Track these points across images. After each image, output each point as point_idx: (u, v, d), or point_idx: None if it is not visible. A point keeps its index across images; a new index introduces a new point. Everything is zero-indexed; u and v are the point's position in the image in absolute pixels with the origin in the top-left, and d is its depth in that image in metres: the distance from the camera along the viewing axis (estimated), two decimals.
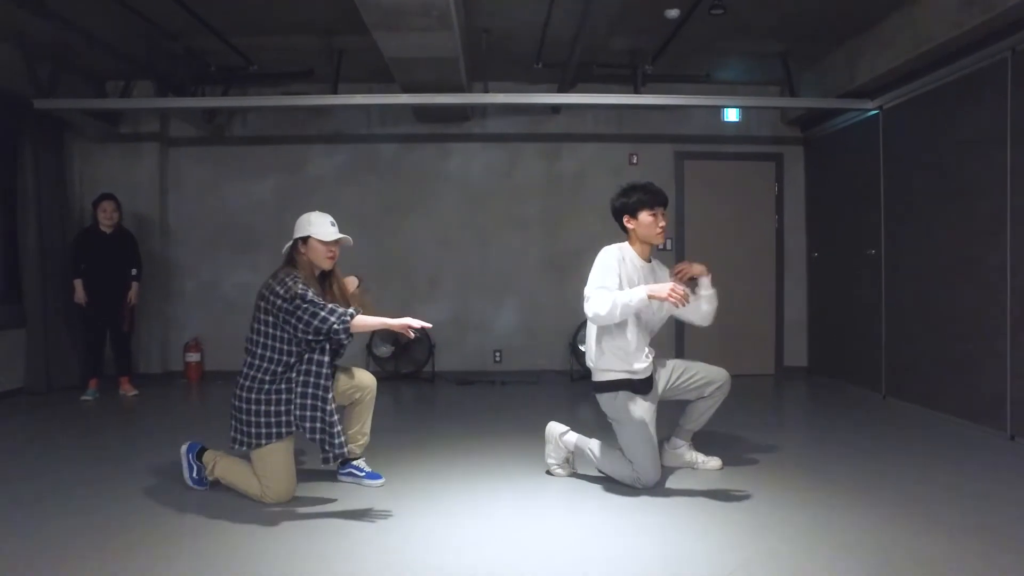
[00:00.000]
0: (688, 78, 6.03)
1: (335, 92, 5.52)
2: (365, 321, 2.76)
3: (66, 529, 2.61)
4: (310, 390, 2.79)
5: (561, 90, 5.83)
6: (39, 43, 5.09)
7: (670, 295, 2.75)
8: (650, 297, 2.81)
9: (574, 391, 5.79)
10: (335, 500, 2.95)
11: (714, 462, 3.34)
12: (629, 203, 3.05)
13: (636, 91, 5.55)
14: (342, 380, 3.08)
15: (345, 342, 2.81)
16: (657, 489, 3.08)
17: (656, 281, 3.03)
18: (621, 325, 2.97)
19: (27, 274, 5.44)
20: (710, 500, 2.97)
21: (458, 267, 6.39)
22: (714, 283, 3.19)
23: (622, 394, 3.00)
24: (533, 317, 6.37)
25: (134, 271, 5.47)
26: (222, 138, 6.41)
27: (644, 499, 2.97)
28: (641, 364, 3.01)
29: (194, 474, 3.05)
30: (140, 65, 5.46)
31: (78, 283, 5.28)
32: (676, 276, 3.12)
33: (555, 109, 6.30)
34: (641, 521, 2.72)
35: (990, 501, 2.92)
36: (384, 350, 6.09)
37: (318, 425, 2.77)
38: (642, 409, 3.02)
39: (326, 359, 2.81)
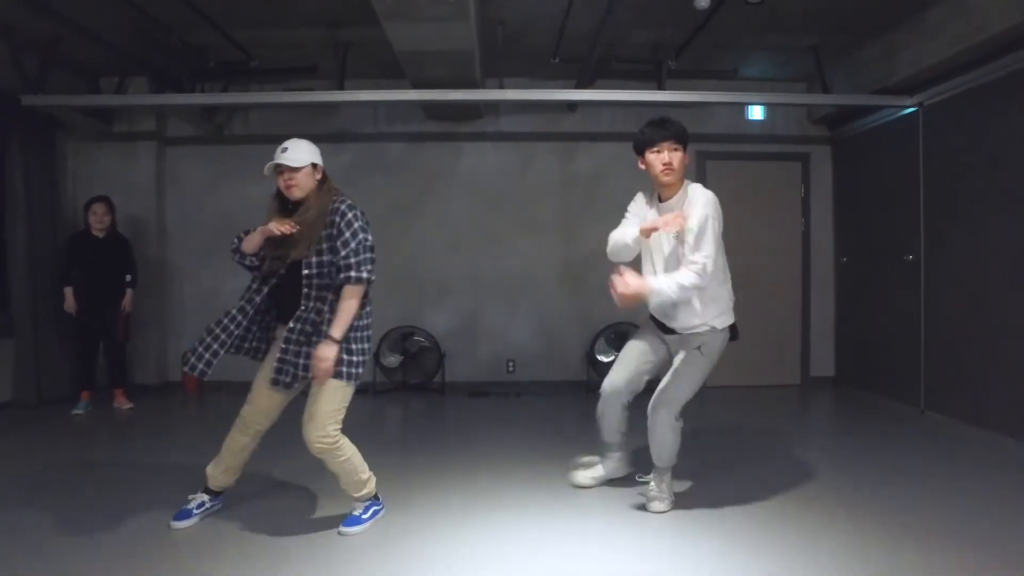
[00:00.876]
0: (713, 74, 5.74)
1: (341, 88, 5.23)
2: (248, 237, 2.72)
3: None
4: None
5: (579, 86, 5.53)
6: (26, 36, 4.80)
7: (665, 225, 2.74)
8: (642, 232, 2.85)
9: (591, 403, 5.47)
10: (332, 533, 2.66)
11: (657, 504, 2.97)
12: (637, 143, 2.96)
13: (660, 87, 5.25)
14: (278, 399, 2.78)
15: (245, 264, 2.81)
16: (686, 508, 2.87)
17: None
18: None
19: (15, 281, 5.15)
20: (729, 521, 2.71)
21: (469, 272, 6.10)
22: (738, 288, 3.12)
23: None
24: (548, 325, 6.07)
25: (128, 277, 5.19)
26: (222, 137, 6.13)
27: (678, 520, 2.70)
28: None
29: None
30: (135, 60, 5.19)
31: (68, 291, 5.00)
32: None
33: (571, 106, 6.00)
34: (664, 543, 2.44)
35: None
36: (392, 360, 5.79)
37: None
38: (641, 334, 3.14)
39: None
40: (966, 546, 2.55)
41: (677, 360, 2.98)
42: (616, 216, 3.26)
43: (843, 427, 5.00)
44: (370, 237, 2.69)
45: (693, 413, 3.07)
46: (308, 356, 2.60)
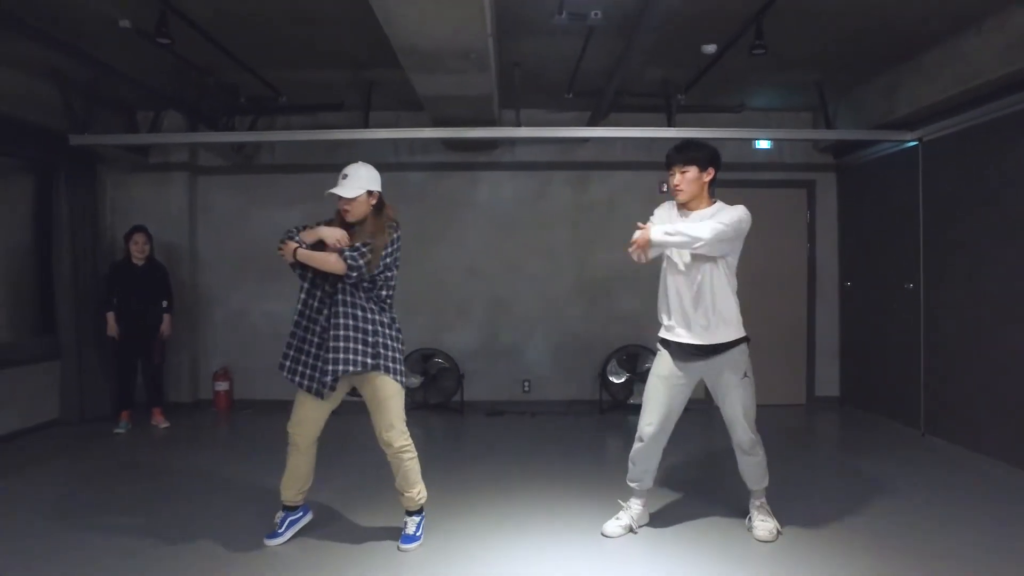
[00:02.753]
0: (721, 108, 5.97)
1: (366, 122, 5.52)
2: (308, 231, 2.94)
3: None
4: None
5: (593, 118, 5.78)
6: (75, 81, 5.13)
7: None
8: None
9: (604, 422, 5.73)
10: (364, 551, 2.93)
11: (759, 530, 3.14)
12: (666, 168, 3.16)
13: (670, 121, 5.49)
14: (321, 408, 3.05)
15: (295, 270, 2.98)
16: (703, 530, 3.10)
17: None
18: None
19: (61, 305, 5.47)
20: (735, 540, 2.92)
21: (487, 295, 6.36)
22: (745, 310, 3.18)
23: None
24: (562, 347, 6.32)
25: (165, 303, 5.49)
26: (250, 167, 6.43)
27: (684, 541, 2.92)
28: (668, 319, 3.12)
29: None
30: (170, 97, 5.50)
31: (110, 316, 5.31)
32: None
33: (585, 138, 6.25)
34: (676, 565, 2.68)
35: None
36: (413, 380, 6.05)
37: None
38: (663, 368, 3.13)
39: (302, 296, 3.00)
40: (952, 568, 2.76)
41: (725, 389, 3.07)
42: (627, 242, 3.44)
43: (845, 447, 5.20)
44: (393, 271, 2.98)
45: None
46: (349, 350, 2.90)
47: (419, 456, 3.09)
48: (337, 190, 2.92)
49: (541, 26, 4.19)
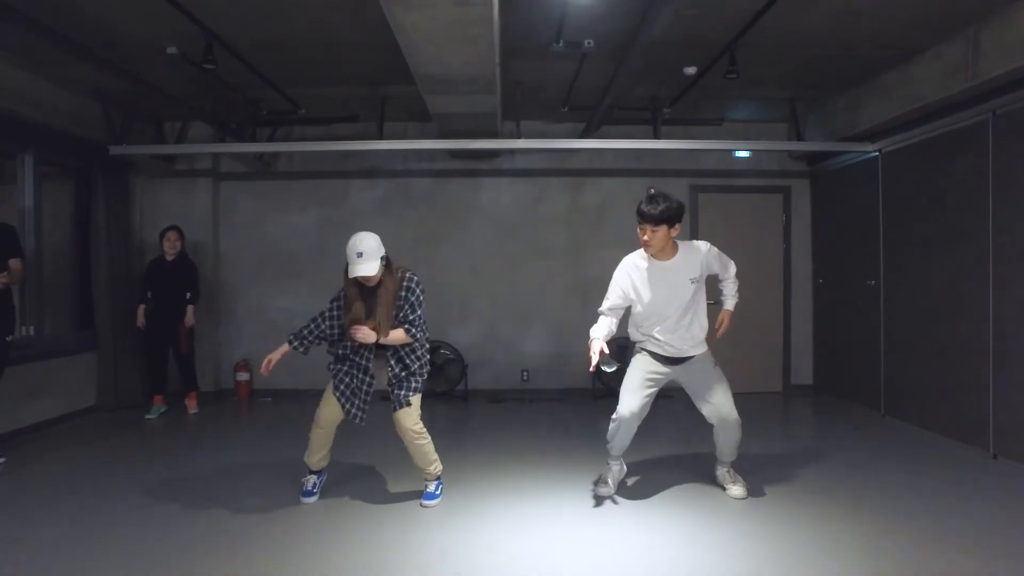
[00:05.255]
0: (703, 121, 6.53)
1: (380, 134, 6.03)
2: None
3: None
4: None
5: (587, 130, 6.33)
6: (114, 97, 5.63)
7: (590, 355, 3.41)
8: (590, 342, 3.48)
9: (596, 408, 6.27)
10: (387, 506, 3.46)
11: (735, 490, 3.70)
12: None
13: (656, 133, 6.04)
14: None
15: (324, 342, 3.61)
16: (672, 502, 3.61)
17: (666, 280, 3.47)
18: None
19: (98, 302, 5.96)
20: (721, 511, 3.46)
21: (488, 293, 6.89)
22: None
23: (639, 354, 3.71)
24: (558, 339, 6.85)
25: (189, 295, 5.90)
26: (269, 173, 6.93)
27: (660, 511, 3.46)
28: (654, 337, 3.57)
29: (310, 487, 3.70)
30: (198, 110, 6.00)
31: (140, 308, 5.81)
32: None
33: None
34: (652, 531, 3.21)
35: (973, 516, 3.38)
36: None
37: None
38: (643, 364, 3.63)
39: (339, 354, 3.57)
40: (905, 520, 3.31)
41: (700, 379, 3.57)
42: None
43: (814, 428, 5.77)
44: (424, 305, 3.50)
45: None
46: (407, 388, 3.50)
47: (431, 438, 3.62)
48: (361, 272, 3.30)
49: (541, 52, 4.72)
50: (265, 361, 3.49)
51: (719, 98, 6.07)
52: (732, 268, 3.71)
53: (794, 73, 5.38)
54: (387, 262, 3.44)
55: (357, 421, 3.52)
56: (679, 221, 3.41)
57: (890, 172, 5.55)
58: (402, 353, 3.50)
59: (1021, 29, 3.81)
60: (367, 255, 3.32)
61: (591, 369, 3.47)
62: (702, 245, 3.59)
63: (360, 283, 3.42)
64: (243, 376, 6.76)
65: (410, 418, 3.50)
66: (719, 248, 3.66)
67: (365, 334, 3.35)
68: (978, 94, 4.32)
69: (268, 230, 6.91)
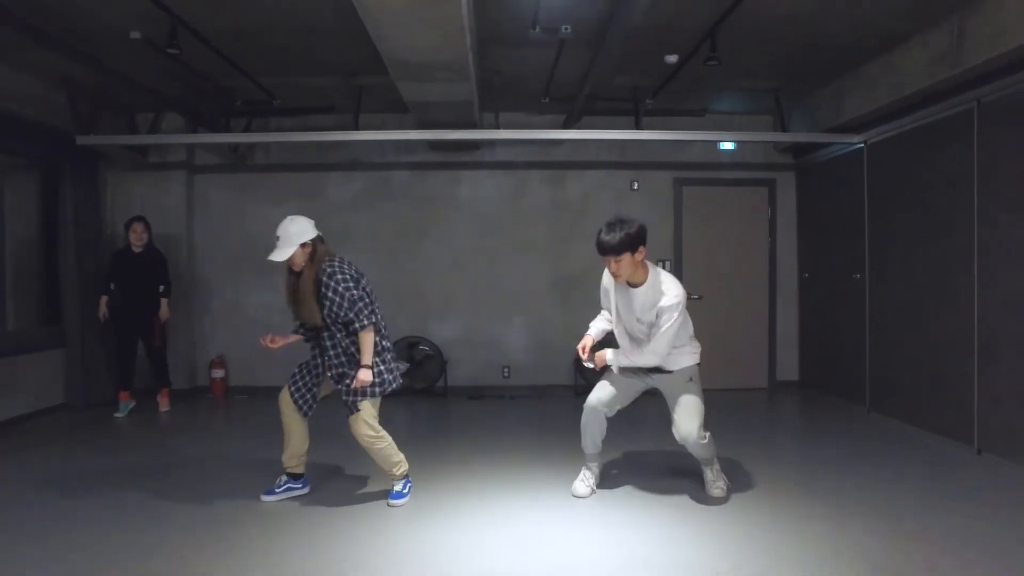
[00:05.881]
0: (686, 112, 6.42)
1: (356, 125, 5.90)
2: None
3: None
4: None
5: (568, 121, 6.21)
6: (81, 85, 5.46)
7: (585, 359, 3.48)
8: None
9: (578, 405, 6.13)
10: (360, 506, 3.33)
11: (716, 490, 3.56)
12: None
13: (638, 124, 5.93)
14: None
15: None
16: (656, 498, 3.49)
17: (628, 304, 3.38)
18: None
19: (66, 297, 5.80)
20: (702, 507, 3.35)
21: (469, 288, 6.77)
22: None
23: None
24: (540, 335, 6.74)
25: (162, 288, 5.75)
26: (244, 166, 6.78)
27: (637, 509, 3.35)
28: (621, 358, 3.46)
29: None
30: (170, 100, 5.83)
31: (103, 299, 5.65)
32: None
33: (561, 139, 6.66)
34: (627, 529, 3.10)
35: (957, 512, 3.29)
36: (400, 366, 6.44)
37: None
38: (614, 376, 3.56)
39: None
40: (887, 516, 3.22)
41: (670, 392, 3.45)
42: None
43: (798, 425, 5.68)
44: (356, 290, 3.32)
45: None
46: (350, 380, 3.34)
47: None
48: (272, 256, 3.30)
49: (518, 38, 4.60)
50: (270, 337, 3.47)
51: (702, 88, 5.96)
52: (657, 347, 3.28)
53: (777, 63, 5.28)
54: (312, 250, 3.34)
55: (302, 410, 3.43)
56: (643, 244, 3.24)
57: (875, 164, 5.46)
58: (352, 349, 3.36)
59: (1006, 16, 3.72)
60: (283, 241, 3.28)
61: (584, 360, 3.48)
62: (668, 299, 3.25)
63: (292, 268, 3.37)
64: (218, 373, 6.62)
65: (363, 425, 3.35)
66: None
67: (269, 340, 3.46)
68: (963, 82, 4.23)
69: (244, 224, 6.75)
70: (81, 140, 5.57)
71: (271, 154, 6.81)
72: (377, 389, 3.36)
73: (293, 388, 3.46)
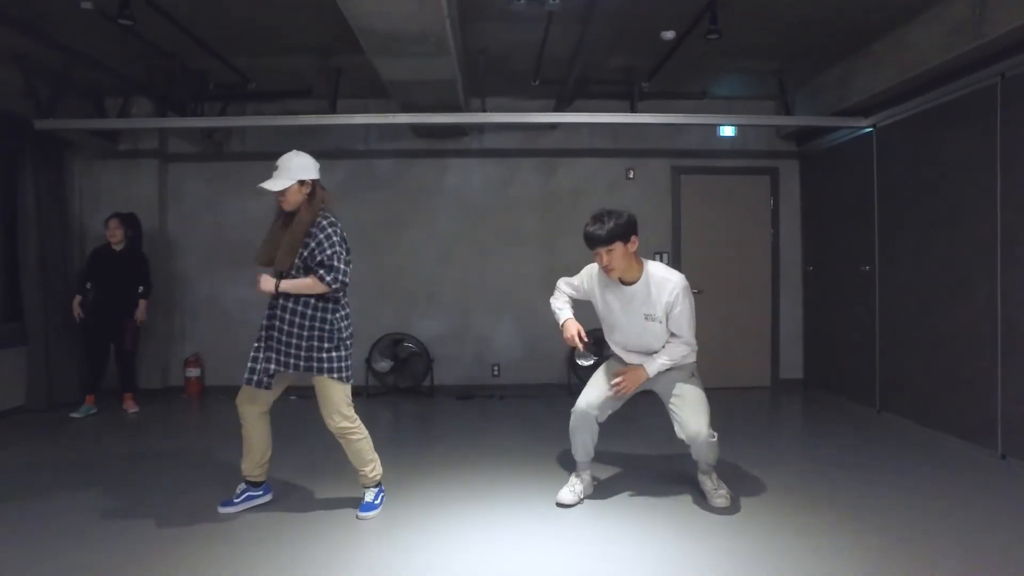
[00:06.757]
0: (684, 95, 6.09)
1: (334, 109, 5.56)
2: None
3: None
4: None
5: (559, 106, 5.88)
6: (39, 65, 5.12)
7: (569, 340, 3.16)
8: (562, 325, 3.24)
9: (570, 405, 5.81)
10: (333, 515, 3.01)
11: (717, 499, 3.25)
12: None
13: (633, 108, 5.60)
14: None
15: None
16: (651, 507, 3.16)
17: (627, 304, 3.12)
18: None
19: (27, 292, 5.47)
20: (704, 517, 3.03)
21: (456, 281, 6.44)
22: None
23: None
24: (531, 331, 6.41)
25: (141, 288, 5.46)
26: (220, 154, 6.45)
27: (630, 520, 3.02)
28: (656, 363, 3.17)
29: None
30: (138, 83, 5.51)
31: (76, 299, 5.34)
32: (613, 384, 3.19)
33: (552, 125, 6.34)
34: (618, 544, 2.78)
35: (979, 524, 2.97)
36: (383, 365, 6.12)
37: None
38: (613, 365, 3.35)
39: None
40: (901, 530, 2.90)
41: (670, 389, 3.19)
42: None
43: (805, 426, 5.35)
44: (344, 253, 2.99)
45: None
46: (281, 351, 2.98)
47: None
48: (266, 184, 2.97)
49: (502, 11, 4.26)
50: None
51: (701, 70, 5.63)
52: (687, 336, 3.11)
53: (780, 41, 4.94)
54: (312, 192, 3.01)
55: (254, 382, 3.03)
56: (634, 234, 3.05)
57: (885, 149, 5.13)
58: (310, 312, 3.00)
59: None
60: (280, 171, 2.97)
61: (581, 350, 3.18)
62: (673, 285, 3.05)
63: (283, 210, 3.03)
64: (194, 372, 6.29)
65: (335, 415, 3.04)
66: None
67: (265, 284, 2.98)
68: (986, 55, 3.89)
69: (220, 215, 6.42)
70: (40, 124, 5.23)
71: (248, 141, 6.47)
72: (346, 375, 3.05)
73: (248, 370, 3.08)
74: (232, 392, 3.17)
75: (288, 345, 3.00)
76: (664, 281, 3.06)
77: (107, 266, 5.39)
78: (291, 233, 2.97)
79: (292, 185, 2.97)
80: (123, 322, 5.42)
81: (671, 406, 3.22)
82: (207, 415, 5.66)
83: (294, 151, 3.07)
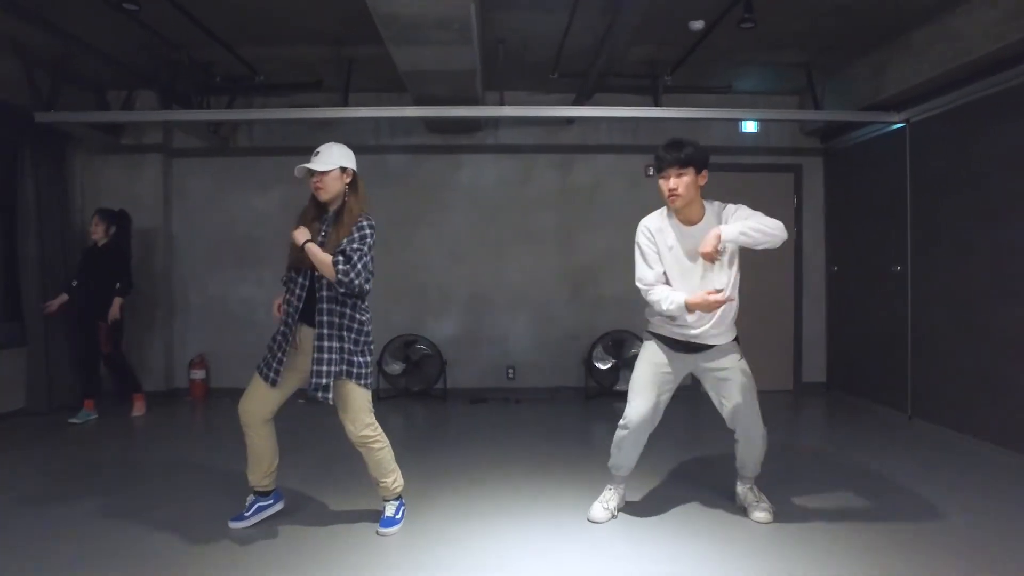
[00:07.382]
0: (708, 89, 5.89)
1: (345, 103, 5.37)
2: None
3: None
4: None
5: (578, 99, 5.68)
6: (39, 55, 4.93)
7: (716, 304, 2.75)
8: (688, 306, 2.78)
9: (589, 408, 5.64)
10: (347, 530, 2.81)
11: (759, 514, 3.05)
12: (656, 172, 2.94)
13: (656, 102, 5.40)
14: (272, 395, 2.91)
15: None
16: (681, 527, 2.97)
17: (691, 249, 2.85)
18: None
19: (27, 291, 5.27)
20: (740, 539, 2.83)
21: (470, 281, 6.24)
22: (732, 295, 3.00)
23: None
24: (547, 333, 6.21)
25: (117, 285, 5.08)
26: (227, 149, 6.25)
27: (665, 538, 2.82)
28: (678, 328, 2.93)
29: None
30: (142, 75, 5.31)
31: (59, 296, 5.14)
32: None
33: (569, 120, 6.14)
34: (655, 563, 2.58)
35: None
36: (395, 367, 5.93)
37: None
38: (654, 356, 3.01)
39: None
40: (940, 548, 2.70)
41: (722, 376, 2.97)
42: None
43: (832, 432, 5.15)
44: (369, 259, 2.82)
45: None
46: (335, 360, 2.77)
47: (400, 442, 2.98)
48: (309, 164, 2.81)
49: (526, 1, 4.06)
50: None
51: (726, 63, 5.43)
52: (763, 219, 2.85)
53: (813, 30, 4.74)
54: (353, 181, 2.88)
55: (268, 379, 2.82)
56: (706, 167, 2.88)
57: (920, 145, 4.93)
58: (335, 318, 2.79)
59: None
60: (323, 156, 2.82)
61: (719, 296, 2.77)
62: (736, 209, 2.90)
63: (317, 203, 2.86)
64: (198, 374, 6.09)
65: (357, 422, 2.84)
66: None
67: (299, 235, 2.77)
68: None
69: (226, 212, 6.23)
70: (40, 117, 5.03)
71: (255, 136, 6.28)
72: (368, 380, 2.86)
73: (261, 365, 2.89)
74: (238, 395, 2.96)
75: (333, 351, 2.77)
76: (723, 206, 2.92)
77: (91, 264, 5.15)
78: (343, 221, 2.79)
79: (334, 170, 2.82)
80: (95, 322, 5.07)
81: (722, 394, 2.99)
82: (212, 419, 5.46)
83: (333, 142, 2.92)
